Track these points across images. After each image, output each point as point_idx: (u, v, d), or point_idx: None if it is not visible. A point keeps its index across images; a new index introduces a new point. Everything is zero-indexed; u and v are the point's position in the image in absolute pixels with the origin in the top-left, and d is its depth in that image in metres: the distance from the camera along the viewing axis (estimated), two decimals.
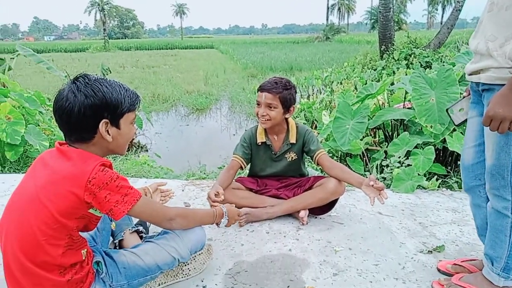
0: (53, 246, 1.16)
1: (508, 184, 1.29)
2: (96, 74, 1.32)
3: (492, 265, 1.41)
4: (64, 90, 1.21)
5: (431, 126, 2.94)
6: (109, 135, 1.25)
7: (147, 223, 1.94)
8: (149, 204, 1.34)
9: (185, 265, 1.59)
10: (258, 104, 2.11)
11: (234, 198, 2.14)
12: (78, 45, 42.30)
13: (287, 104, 2.08)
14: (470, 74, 1.37)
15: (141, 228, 1.79)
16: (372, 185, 1.80)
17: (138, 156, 4.48)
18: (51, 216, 1.14)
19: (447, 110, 1.62)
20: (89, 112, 1.19)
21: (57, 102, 1.21)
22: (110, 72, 6.53)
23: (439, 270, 1.70)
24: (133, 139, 5.79)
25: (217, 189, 1.92)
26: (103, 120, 1.22)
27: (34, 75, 14.58)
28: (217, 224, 1.65)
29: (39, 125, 3.93)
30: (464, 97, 1.59)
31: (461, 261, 1.67)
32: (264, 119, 2.09)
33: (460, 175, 2.94)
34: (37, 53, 5.44)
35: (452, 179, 2.85)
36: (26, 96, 3.79)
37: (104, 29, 54.58)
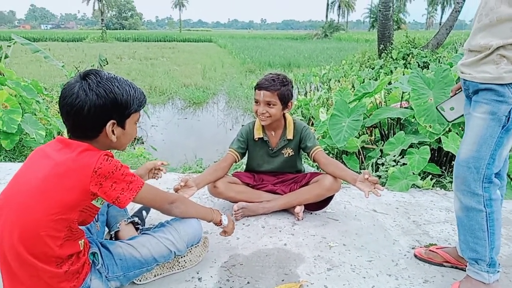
0: (52, 238, 1.16)
1: (481, 178, 1.33)
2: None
3: (478, 264, 1.42)
4: (74, 86, 1.18)
5: (430, 126, 2.96)
6: (114, 135, 1.25)
7: (143, 214, 1.95)
8: (152, 190, 1.37)
9: (181, 257, 1.61)
10: (256, 102, 2.11)
11: (230, 192, 2.16)
12: (75, 34, 41.91)
13: (286, 100, 2.09)
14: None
15: (136, 220, 1.79)
16: (367, 178, 1.82)
17: (134, 148, 4.47)
18: (54, 209, 1.14)
19: (437, 107, 1.66)
20: (99, 112, 1.19)
21: (66, 98, 1.18)
22: (107, 63, 6.47)
23: (415, 256, 1.78)
24: None
25: (185, 180, 1.90)
26: (111, 121, 1.22)
27: (30, 64, 14.41)
28: (218, 223, 1.65)
29: (35, 114, 3.91)
30: (451, 96, 1.64)
31: (436, 248, 1.74)
32: (264, 117, 2.09)
33: None
34: (34, 41, 5.39)
35: (446, 179, 2.88)
36: (23, 85, 3.76)
37: (102, 19, 54.05)
